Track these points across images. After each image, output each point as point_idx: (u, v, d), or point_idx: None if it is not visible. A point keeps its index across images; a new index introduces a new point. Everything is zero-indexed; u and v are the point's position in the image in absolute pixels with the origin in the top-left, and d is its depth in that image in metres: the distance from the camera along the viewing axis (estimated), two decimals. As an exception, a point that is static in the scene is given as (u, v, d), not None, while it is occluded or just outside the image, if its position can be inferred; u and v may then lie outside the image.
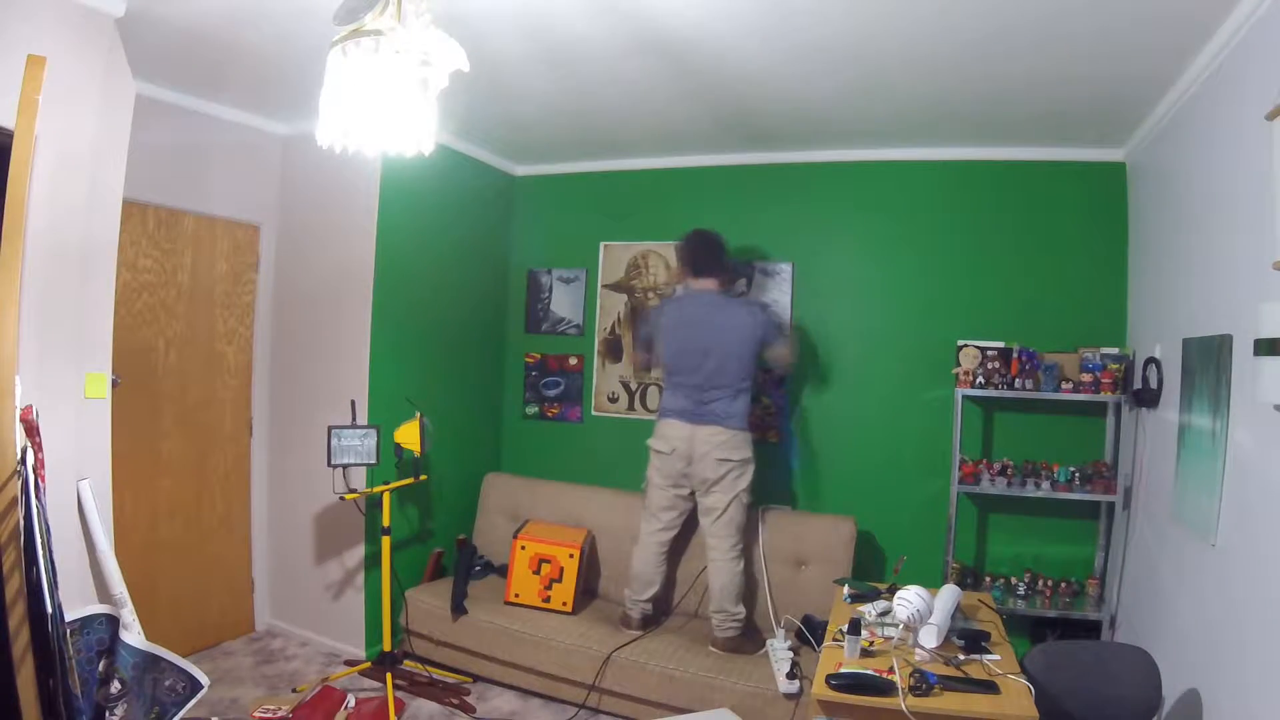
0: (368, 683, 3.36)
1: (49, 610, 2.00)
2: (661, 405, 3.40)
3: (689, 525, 3.42)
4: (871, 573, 3.60)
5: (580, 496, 3.90)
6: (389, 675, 3.21)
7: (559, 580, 3.49)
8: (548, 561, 3.50)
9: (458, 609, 3.46)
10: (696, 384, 3.27)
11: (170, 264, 3.42)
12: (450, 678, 3.44)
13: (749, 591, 3.32)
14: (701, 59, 2.71)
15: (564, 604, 3.47)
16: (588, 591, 3.75)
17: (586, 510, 3.84)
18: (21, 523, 1.97)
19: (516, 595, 3.51)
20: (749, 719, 2.80)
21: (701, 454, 3.21)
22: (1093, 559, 3.42)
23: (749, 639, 3.22)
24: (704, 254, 3.40)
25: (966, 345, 3.40)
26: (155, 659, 2.49)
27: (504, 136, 3.94)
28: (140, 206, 3.24)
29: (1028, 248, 3.56)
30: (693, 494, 3.33)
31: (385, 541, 3.35)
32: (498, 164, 4.35)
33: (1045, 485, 3.26)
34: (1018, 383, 3.29)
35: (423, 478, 3.58)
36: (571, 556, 3.49)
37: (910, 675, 2.04)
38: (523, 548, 3.53)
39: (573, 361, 4.36)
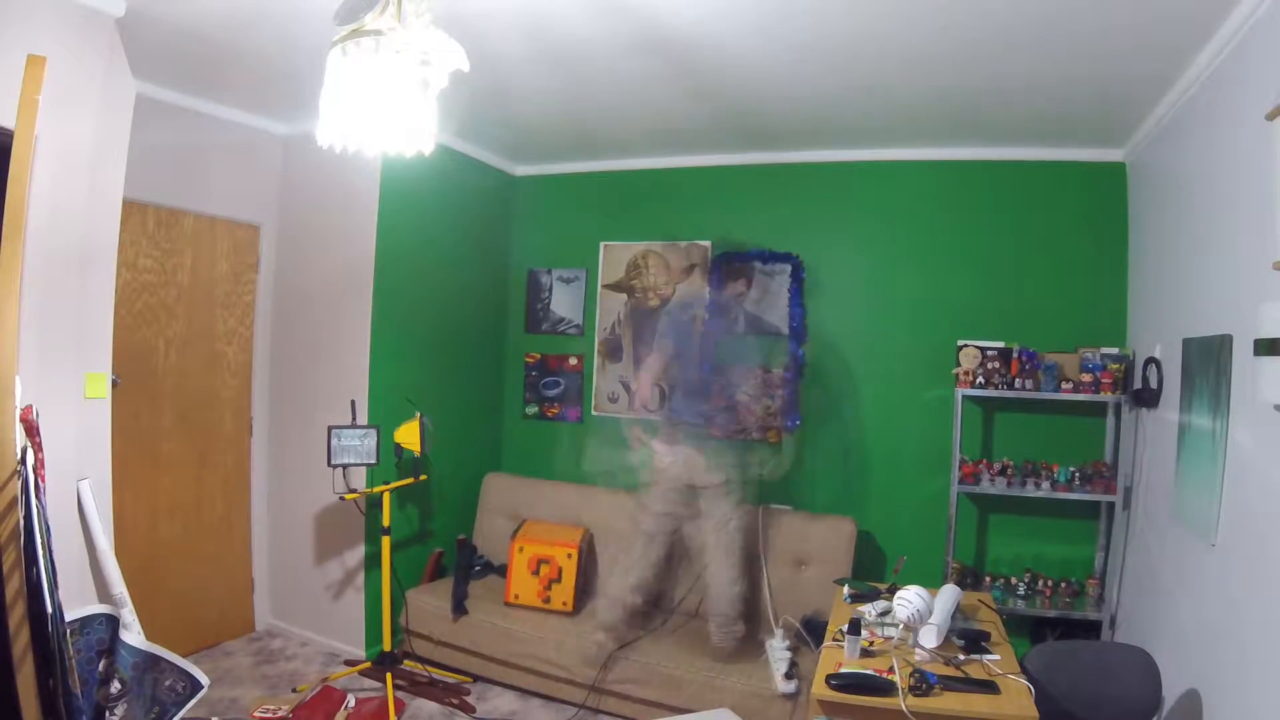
0: (368, 683, 3.36)
1: (49, 610, 2.00)
2: (659, 423, 3.33)
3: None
4: (871, 573, 3.60)
5: (580, 496, 3.90)
6: (389, 675, 3.21)
7: (558, 580, 3.49)
8: (546, 562, 3.50)
9: (458, 609, 3.46)
10: (692, 400, 3.22)
11: (170, 264, 3.42)
12: (450, 678, 3.44)
13: (750, 595, 3.31)
14: (701, 59, 2.71)
15: (564, 604, 3.47)
16: (588, 590, 3.75)
17: (586, 510, 3.84)
18: (21, 523, 1.97)
19: (516, 596, 3.51)
20: (749, 719, 2.80)
21: (696, 472, 3.17)
22: (1093, 559, 3.42)
23: (746, 649, 3.16)
24: (704, 264, 3.36)
25: (966, 345, 3.40)
26: (155, 659, 2.49)
27: (504, 136, 3.94)
28: (140, 206, 3.24)
29: (1028, 248, 3.56)
30: (682, 516, 3.26)
31: (385, 541, 3.35)
32: (498, 164, 4.35)
33: (1045, 485, 3.26)
34: (1018, 383, 3.29)
35: (423, 478, 3.58)
36: (570, 556, 3.49)
37: (910, 675, 2.04)
38: (520, 549, 3.53)
39: (573, 361, 4.36)
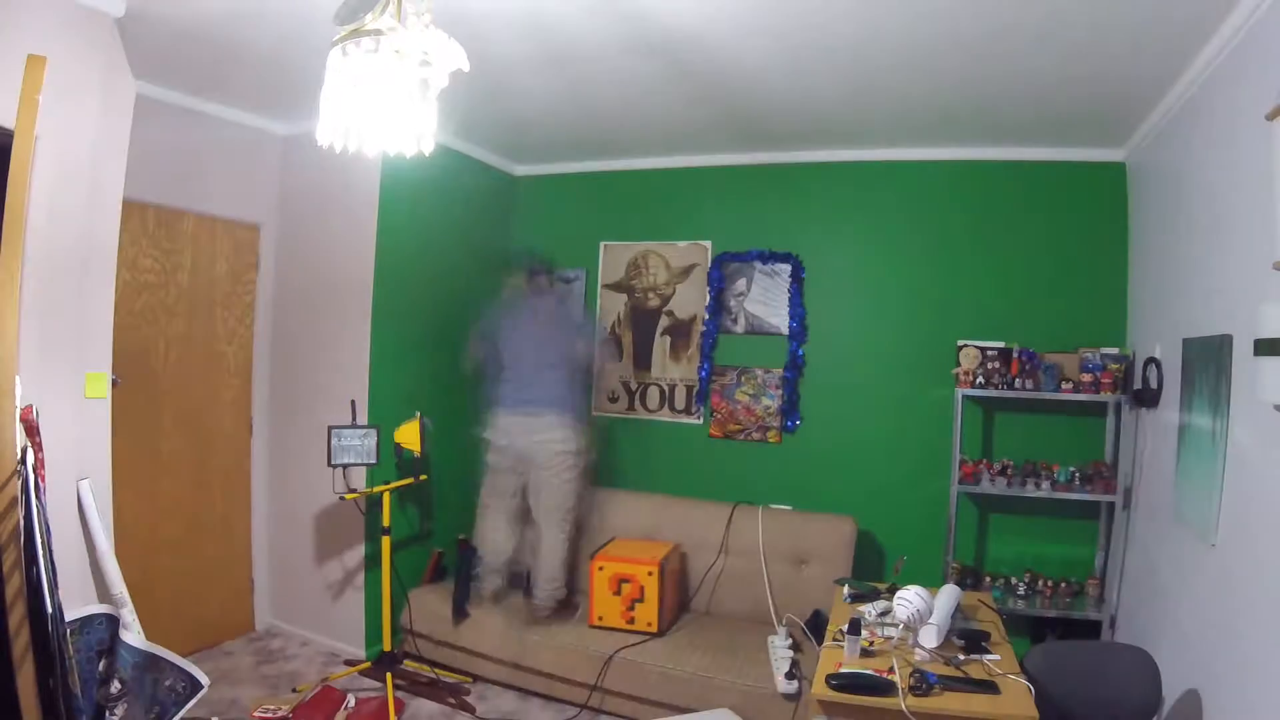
0: (368, 683, 3.36)
1: (49, 610, 2.00)
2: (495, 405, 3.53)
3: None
4: (871, 573, 3.60)
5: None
6: (389, 675, 3.21)
7: (640, 600, 3.27)
8: (627, 581, 3.28)
9: (458, 614, 3.45)
10: (520, 384, 3.47)
11: (170, 264, 3.42)
12: (450, 677, 3.44)
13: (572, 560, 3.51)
14: (702, 59, 2.71)
15: (649, 624, 3.25)
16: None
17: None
18: (21, 523, 1.97)
19: (600, 618, 3.31)
20: (749, 718, 2.80)
21: (525, 446, 3.41)
22: (1093, 559, 3.42)
23: (565, 612, 3.48)
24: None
25: (966, 345, 3.40)
26: (155, 659, 2.49)
27: (504, 136, 3.94)
28: (140, 206, 3.24)
29: (1028, 248, 3.56)
30: (518, 486, 3.52)
31: (385, 541, 3.35)
32: (498, 164, 4.35)
33: (1045, 485, 3.26)
34: (1018, 383, 3.29)
35: (423, 478, 3.58)
36: (651, 574, 3.25)
37: (910, 675, 2.04)
38: (600, 568, 3.32)
39: (573, 361, 4.35)
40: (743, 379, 3.99)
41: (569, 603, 3.51)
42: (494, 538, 3.53)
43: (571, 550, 3.50)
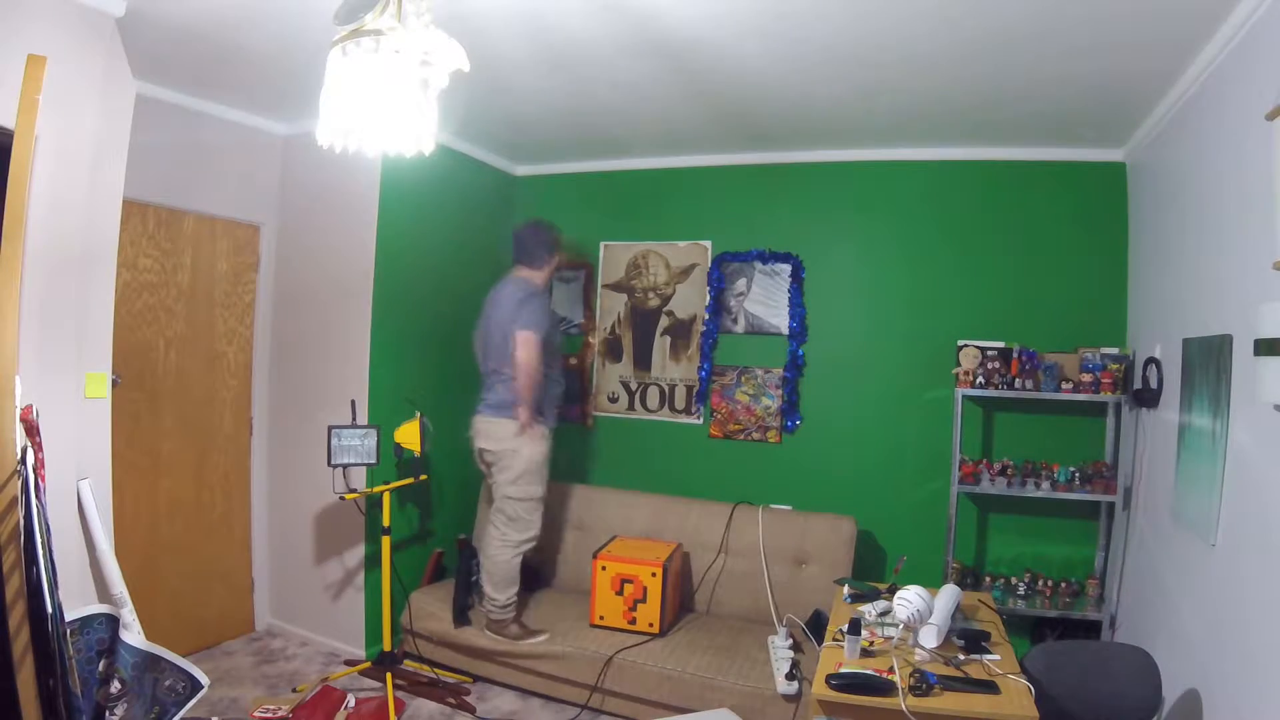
0: (368, 683, 3.36)
1: (49, 610, 2.00)
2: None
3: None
4: (871, 573, 3.60)
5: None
6: (389, 675, 3.21)
7: (643, 600, 3.28)
8: (630, 581, 3.29)
9: (459, 618, 3.44)
10: (483, 374, 3.46)
11: (170, 264, 3.42)
12: (450, 678, 3.44)
13: (537, 562, 3.56)
14: (701, 59, 2.71)
15: (650, 625, 3.26)
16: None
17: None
18: (21, 523, 1.97)
19: (601, 618, 3.32)
20: (749, 719, 2.80)
21: (484, 440, 3.38)
22: (1093, 559, 3.42)
23: (517, 626, 3.32)
24: (519, 245, 3.52)
25: (966, 345, 3.40)
26: (155, 659, 2.49)
27: (504, 136, 3.94)
28: (140, 206, 3.24)
29: (1028, 247, 3.56)
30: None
31: (385, 541, 3.35)
32: (498, 164, 4.35)
33: (1045, 485, 3.26)
34: (1018, 383, 3.29)
35: (423, 478, 3.58)
36: (654, 575, 3.26)
37: (910, 675, 2.04)
38: (603, 568, 3.32)
39: (573, 361, 4.36)
40: (743, 379, 4.00)
41: (520, 624, 3.32)
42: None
43: (515, 564, 3.32)
